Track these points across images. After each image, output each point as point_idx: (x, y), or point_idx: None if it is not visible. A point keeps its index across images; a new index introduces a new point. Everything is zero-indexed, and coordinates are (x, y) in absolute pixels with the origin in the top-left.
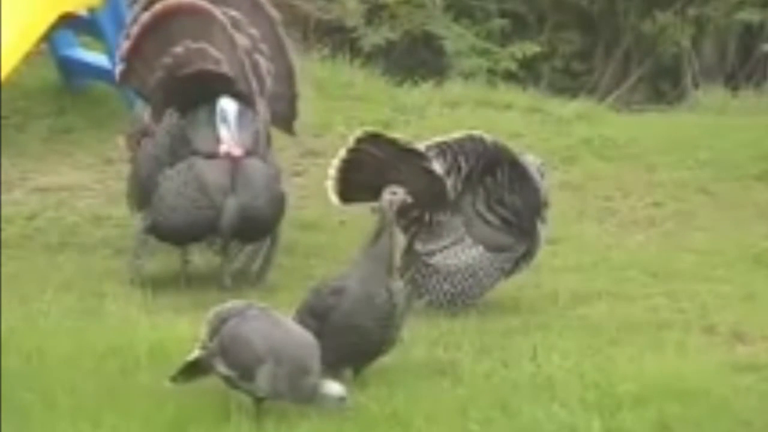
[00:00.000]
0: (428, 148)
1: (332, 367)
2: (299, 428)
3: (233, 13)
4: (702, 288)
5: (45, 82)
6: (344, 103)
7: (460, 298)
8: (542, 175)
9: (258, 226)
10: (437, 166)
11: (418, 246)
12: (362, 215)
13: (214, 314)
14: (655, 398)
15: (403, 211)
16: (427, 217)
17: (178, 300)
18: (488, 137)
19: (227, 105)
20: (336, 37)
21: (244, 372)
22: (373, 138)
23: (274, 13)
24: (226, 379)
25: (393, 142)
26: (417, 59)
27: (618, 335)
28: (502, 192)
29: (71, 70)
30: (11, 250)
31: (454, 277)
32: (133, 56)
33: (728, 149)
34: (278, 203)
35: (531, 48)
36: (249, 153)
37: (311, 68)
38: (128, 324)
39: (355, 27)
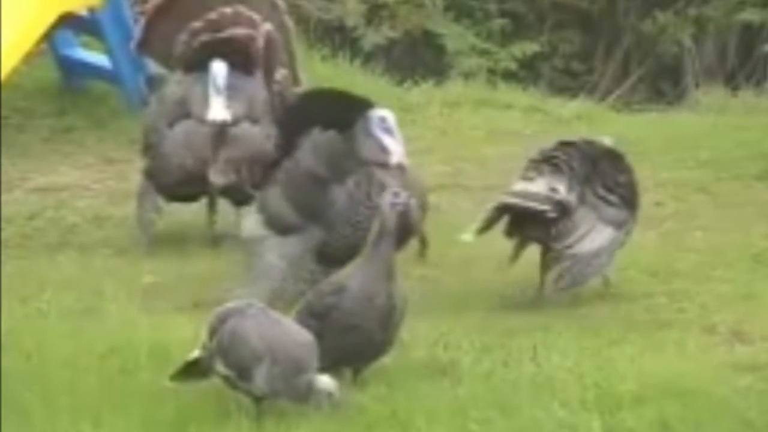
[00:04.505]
0: (538, 163)
1: (332, 368)
2: (299, 428)
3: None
4: (702, 288)
5: (45, 82)
6: None
7: (593, 278)
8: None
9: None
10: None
11: (556, 245)
12: None
13: (214, 314)
14: (655, 398)
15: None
16: (553, 231)
17: (178, 300)
18: (577, 139)
19: (217, 68)
20: (336, 37)
21: (241, 371)
22: None
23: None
24: (226, 379)
25: None
26: (417, 59)
27: (618, 335)
28: (613, 176)
29: (71, 70)
30: (11, 250)
31: (594, 259)
32: (157, 22)
33: (728, 149)
34: (267, 162)
35: (531, 48)
36: (239, 118)
37: (311, 68)
38: (128, 324)
39: (356, 27)
